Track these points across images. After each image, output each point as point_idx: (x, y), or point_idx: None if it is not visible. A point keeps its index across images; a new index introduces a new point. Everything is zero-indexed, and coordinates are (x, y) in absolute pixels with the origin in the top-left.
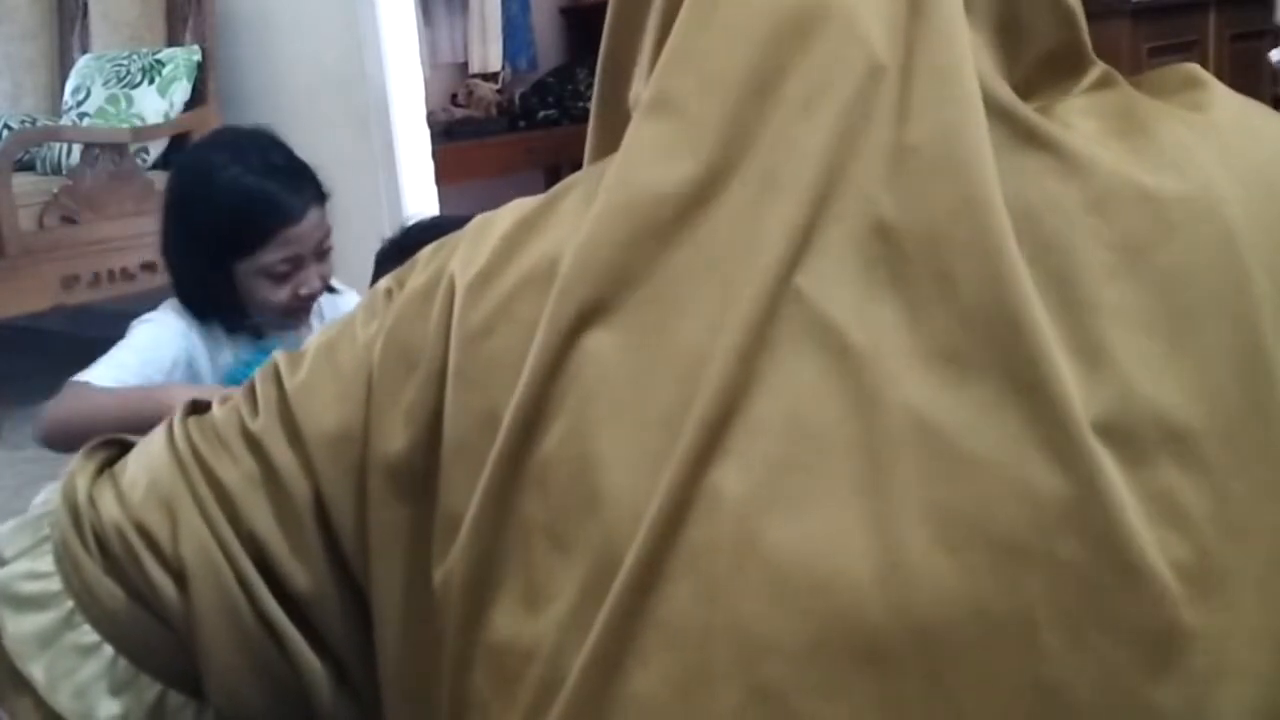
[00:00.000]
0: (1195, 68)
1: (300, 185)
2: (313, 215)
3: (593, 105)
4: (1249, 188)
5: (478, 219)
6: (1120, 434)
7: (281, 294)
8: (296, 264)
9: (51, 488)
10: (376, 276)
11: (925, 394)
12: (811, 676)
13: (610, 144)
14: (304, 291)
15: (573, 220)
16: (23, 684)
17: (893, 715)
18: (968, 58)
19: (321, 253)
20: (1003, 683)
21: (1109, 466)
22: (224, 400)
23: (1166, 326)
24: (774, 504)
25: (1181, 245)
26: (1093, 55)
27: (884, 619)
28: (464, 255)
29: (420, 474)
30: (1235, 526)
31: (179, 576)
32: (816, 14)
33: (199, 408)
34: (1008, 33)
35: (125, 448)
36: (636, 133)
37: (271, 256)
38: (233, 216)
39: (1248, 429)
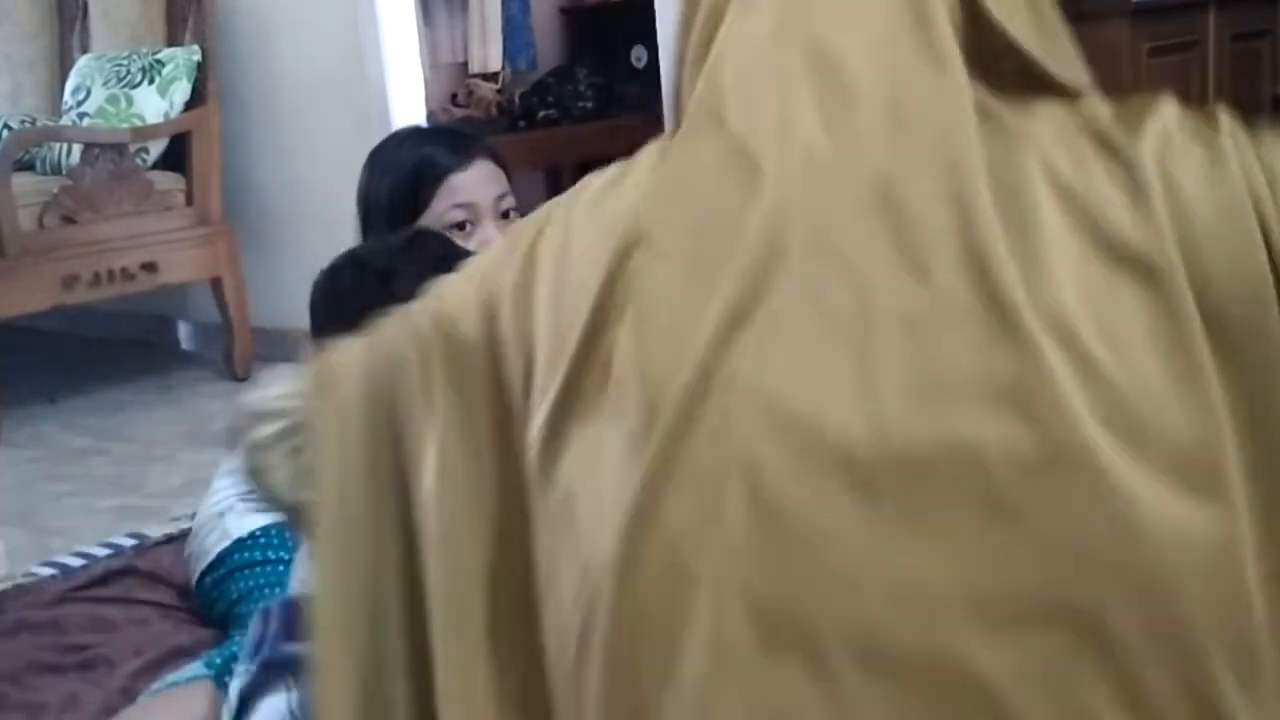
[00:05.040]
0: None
1: (461, 140)
2: (479, 167)
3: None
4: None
5: (567, 194)
6: (1053, 323)
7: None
8: (473, 217)
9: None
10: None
11: (909, 296)
12: (806, 492)
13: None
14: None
15: (643, 182)
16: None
17: (875, 531)
18: (961, 81)
19: (502, 213)
20: (964, 505)
21: (1048, 346)
22: None
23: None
24: (785, 368)
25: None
26: (1073, 89)
27: (870, 455)
28: (555, 226)
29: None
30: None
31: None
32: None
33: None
34: (979, 60)
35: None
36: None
37: (443, 203)
38: (403, 176)
39: (1118, 320)
